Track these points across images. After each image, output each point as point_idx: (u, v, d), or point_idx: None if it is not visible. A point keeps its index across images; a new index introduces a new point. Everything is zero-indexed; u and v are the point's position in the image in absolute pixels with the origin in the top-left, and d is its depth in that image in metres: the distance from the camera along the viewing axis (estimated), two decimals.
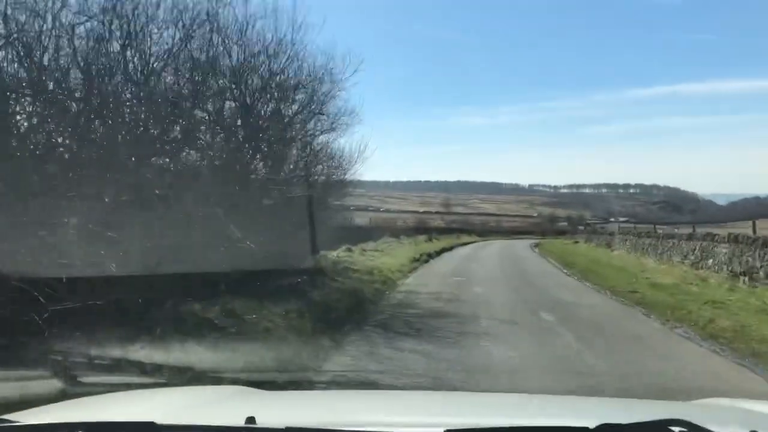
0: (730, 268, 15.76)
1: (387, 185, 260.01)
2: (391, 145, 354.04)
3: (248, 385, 2.95)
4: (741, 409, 2.21)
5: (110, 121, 7.18)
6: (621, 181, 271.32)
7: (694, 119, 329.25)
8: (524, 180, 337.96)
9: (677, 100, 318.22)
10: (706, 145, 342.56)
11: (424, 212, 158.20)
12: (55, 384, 4.80)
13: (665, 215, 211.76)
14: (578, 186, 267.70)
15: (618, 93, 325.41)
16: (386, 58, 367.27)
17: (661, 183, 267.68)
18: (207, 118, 9.70)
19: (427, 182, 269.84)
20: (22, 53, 6.48)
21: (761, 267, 14.20)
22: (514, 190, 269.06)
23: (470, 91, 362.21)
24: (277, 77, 11.04)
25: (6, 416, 1.63)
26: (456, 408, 2.30)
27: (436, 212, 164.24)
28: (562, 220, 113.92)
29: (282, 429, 1.44)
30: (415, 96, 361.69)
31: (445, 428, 1.46)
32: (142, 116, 7.88)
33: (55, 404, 2.37)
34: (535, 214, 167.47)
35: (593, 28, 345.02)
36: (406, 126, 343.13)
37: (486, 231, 62.42)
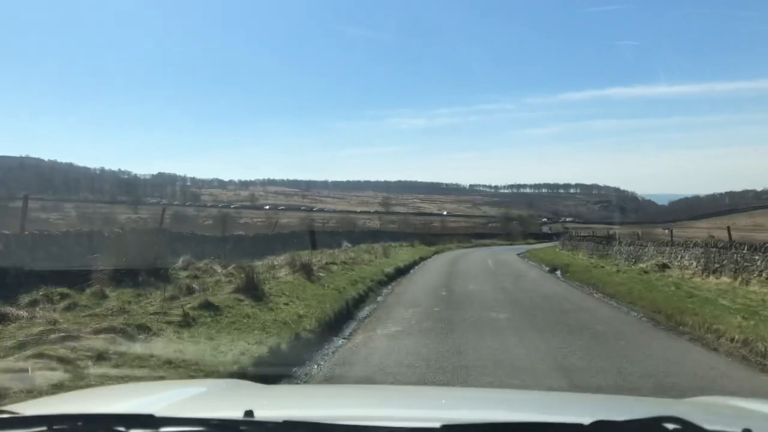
0: None
1: (325, 185, 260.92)
2: (330, 146, 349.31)
3: None
4: (735, 407, 2.17)
5: None
6: (561, 180, 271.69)
7: (625, 122, 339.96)
8: (465, 180, 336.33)
9: (608, 104, 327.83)
10: (638, 146, 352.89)
11: (361, 212, 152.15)
12: (56, 375, 4.84)
13: (608, 214, 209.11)
14: (519, 186, 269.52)
15: (551, 97, 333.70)
16: (323, 60, 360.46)
17: (601, 183, 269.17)
18: None
19: (367, 182, 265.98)
20: None
21: None
22: (455, 190, 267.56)
23: (408, 93, 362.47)
24: None
25: (6, 407, 1.64)
26: (453, 403, 2.31)
27: (375, 212, 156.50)
28: (514, 219, 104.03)
29: (280, 422, 1.42)
30: (352, 97, 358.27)
31: (442, 423, 1.40)
32: None
33: (55, 396, 2.82)
34: (494, 214, 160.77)
35: (526, 32, 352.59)
36: (345, 127, 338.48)
37: (435, 234, 49.10)
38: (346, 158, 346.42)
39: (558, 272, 21.20)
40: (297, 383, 5.94)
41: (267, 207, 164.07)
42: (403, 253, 26.62)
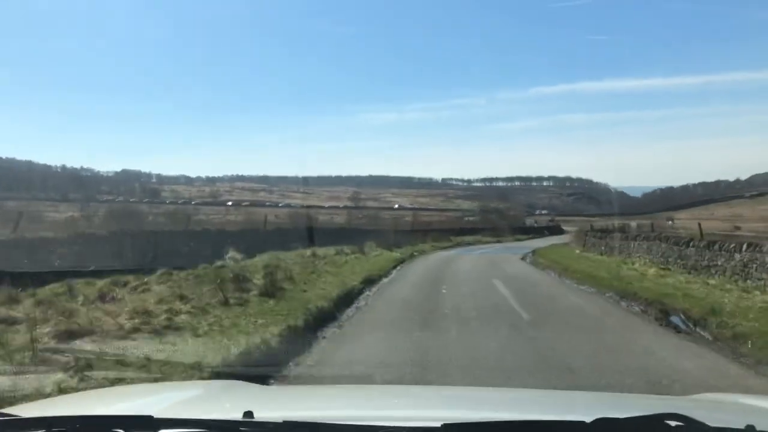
0: None
1: (296, 180, 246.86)
2: (301, 141, 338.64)
3: None
4: (737, 404, 2.18)
5: None
6: (534, 173, 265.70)
7: (596, 115, 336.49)
8: (437, 174, 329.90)
9: (579, 98, 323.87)
10: (609, 139, 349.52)
11: (330, 207, 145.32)
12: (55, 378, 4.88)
13: (582, 206, 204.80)
14: (492, 179, 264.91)
15: (523, 91, 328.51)
16: (294, 55, 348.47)
17: (574, 175, 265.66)
18: None
19: (339, 177, 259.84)
20: None
21: None
22: (428, 184, 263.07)
23: (379, 88, 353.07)
24: None
25: (6, 410, 1.65)
26: (453, 402, 2.29)
27: (344, 207, 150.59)
28: (492, 212, 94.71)
29: (280, 422, 1.41)
30: (324, 93, 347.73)
31: (443, 422, 1.39)
32: None
33: (54, 398, 2.77)
34: (468, 207, 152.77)
35: (497, 27, 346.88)
36: (316, 122, 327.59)
37: (405, 232, 38.98)
38: (317, 154, 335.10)
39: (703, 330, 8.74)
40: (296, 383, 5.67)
41: (229, 203, 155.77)
42: (347, 271, 15.99)
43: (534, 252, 28.66)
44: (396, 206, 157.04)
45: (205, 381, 4.05)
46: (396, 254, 24.95)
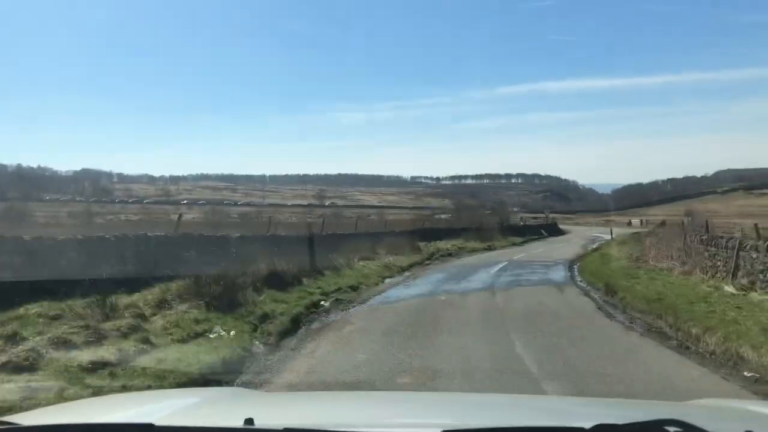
0: None
1: (262, 179, 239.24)
2: (268, 140, 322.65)
3: None
4: (736, 409, 2.13)
5: None
6: (503, 171, 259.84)
7: (561, 114, 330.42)
8: (406, 172, 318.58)
9: (544, 97, 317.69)
10: (575, 137, 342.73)
11: (293, 205, 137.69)
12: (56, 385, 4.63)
13: (552, 204, 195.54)
14: (461, 177, 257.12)
15: (489, 90, 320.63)
16: (261, 54, 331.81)
17: (543, 173, 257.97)
18: None
19: (306, 175, 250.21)
20: None
21: None
22: (396, 182, 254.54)
23: (348, 87, 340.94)
24: None
25: (6, 418, 1.59)
26: (453, 408, 2.18)
27: (308, 204, 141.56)
28: (465, 210, 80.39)
29: (280, 430, 1.37)
30: (291, 92, 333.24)
31: (442, 429, 1.39)
32: None
33: (54, 406, 2.48)
34: (438, 205, 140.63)
35: (462, 27, 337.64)
36: (285, 122, 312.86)
37: (378, 233, 24.06)
38: (285, 153, 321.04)
39: None
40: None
41: (184, 202, 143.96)
42: None
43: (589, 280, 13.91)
44: (327, 203, 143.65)
45: (205, 388, 4.01)
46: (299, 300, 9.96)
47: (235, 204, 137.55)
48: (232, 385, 5.13)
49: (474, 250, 28.82)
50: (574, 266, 20.31)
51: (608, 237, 43.08)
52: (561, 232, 50.79)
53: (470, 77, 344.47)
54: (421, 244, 26.01)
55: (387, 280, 15.39)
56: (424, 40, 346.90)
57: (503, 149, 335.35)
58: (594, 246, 33.97)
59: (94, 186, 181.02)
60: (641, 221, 69.71)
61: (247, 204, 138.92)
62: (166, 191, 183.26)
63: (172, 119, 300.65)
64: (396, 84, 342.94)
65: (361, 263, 16.84)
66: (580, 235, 46.58)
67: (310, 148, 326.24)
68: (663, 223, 34.96)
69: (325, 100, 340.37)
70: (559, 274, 17.63)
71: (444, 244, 28.80)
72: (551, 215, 62.09)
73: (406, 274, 17.44)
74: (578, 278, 16.43)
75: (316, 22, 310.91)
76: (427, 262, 21.83)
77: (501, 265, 20.21)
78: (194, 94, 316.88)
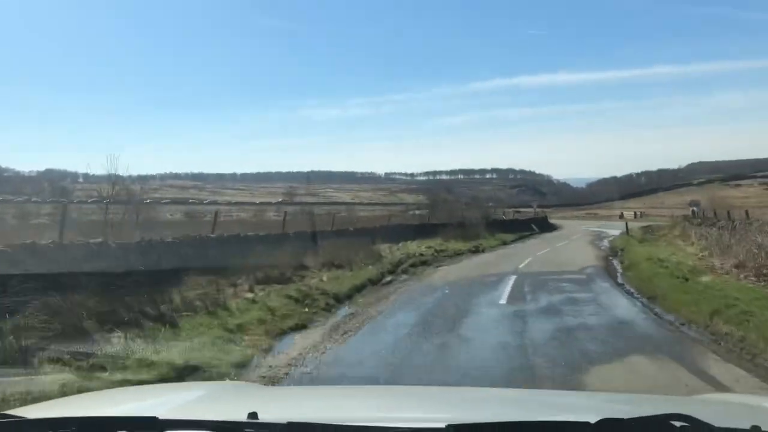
0: None
1: (234, 177, 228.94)
2: (240, 138, 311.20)
3: None
4: (743, 404, 2.06)
5: None
6: (477, 166, 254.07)
7: (533, 109, 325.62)
8: (380, 168, 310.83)
9: (516, 92, 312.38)
10: (547, 132, 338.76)
11: (261, 203, 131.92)
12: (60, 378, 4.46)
13: (527, 198, 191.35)
14: (435, 173, 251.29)
15: (461, 86, 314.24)
16: (231, 49, 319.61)
17: (517, 167, 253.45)
18: None
19: (279, 173, 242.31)
20: None
21: None
22: (370, 178, 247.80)
23: (320, 84, 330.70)
24: None
25: (10, 411, 1.56)
26: (458, 403, 2.10)
27: (278, 202, 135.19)
28: (442, 204, 72.47)
29: (284, 424, 1.32)
30: (262, 88, 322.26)
31: (448, 423, 1.30)
32: None
33: (58, 399, 2.48)
34: (412, 201, 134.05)
35: (433, 22, 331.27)
36: (255, 118, 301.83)
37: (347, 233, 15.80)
38: (257, 150, 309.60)
39: None
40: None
41: (147, 201, 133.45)
42: None
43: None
44: (278, 199, 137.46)
45: (209, 382, 3.97)
46: None
47: (202, 203, 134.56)
48: None
49: (458, 254, 20.59)
50: (630, 287, 12.12)
51: (612, 231, 35.63)
52: (553, 227, 42.94)
53: (442, 73, 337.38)
54: (385, 248, 17.67)
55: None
56: (395, 36, 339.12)
57: (477, 145, 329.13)
58: (608, 244, 26.13)
59: (52, 186, 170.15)
60: (635, 213, 62.76)
61: (214, 202, 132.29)
62: (129, 191, 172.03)
63: (140, 118, 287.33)
64: (368, 80, 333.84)
65: (241, 301, 8.34)
66: (576, 230, 38.84)
67: (283, 145, 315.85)
68: (693, 214, 27.35)
69: (296, 96, 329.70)
70: (630, 309, 9.47)
71: (417, 246, 20.53)
72: (542, 208, 54.43)
73: (323, 325, 8.54)
74: (683, 324, 8.21)
75: (288, 17, 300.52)
76: (388, 278, 13.47)
77: (509, 285, 11.96)
78: (163, 92, 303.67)
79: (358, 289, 11.13)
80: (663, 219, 54.60)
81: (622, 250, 22.09)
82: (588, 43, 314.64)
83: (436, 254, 19.16)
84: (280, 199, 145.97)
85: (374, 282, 12.30)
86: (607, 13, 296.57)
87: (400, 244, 20.26)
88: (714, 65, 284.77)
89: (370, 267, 13.89)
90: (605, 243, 27.35)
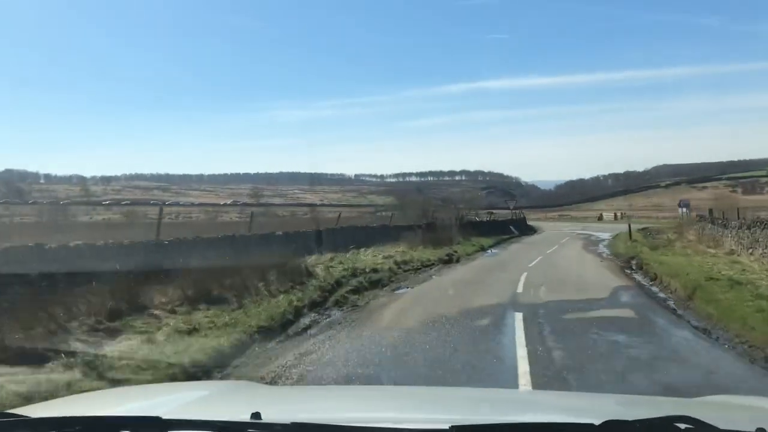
0: None
1: (200, 179, 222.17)
2: (208, 138, 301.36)
3: None
4: (748, 406, 1.92)
5: None
6: (446, 168, 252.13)
7: (500, 112, 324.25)
8: (350, 170, 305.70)
9: (482, 95, 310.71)
10: (514, 135, 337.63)
11: (224, 204, 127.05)
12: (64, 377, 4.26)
13: (496, 200, 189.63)
14: (405, 174, 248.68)
15: (430, 89, 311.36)
16: (198, 49, 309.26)
17: (486, 169, 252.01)
18: None
19: (247, 174, 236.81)
20: None
21: None
22: (339, 180, 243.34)
23: (289, 85, 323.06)
24: None
25: (14, 410, 1.52)
26: (461, 403, 2.04)
27: (243, 203, 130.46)
28: (411, 206, 67.07)
29: (288, 424, 1.29)
30: (231, 89, 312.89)
31: (451, 423, 1.28)
32: None
33: (62, 398, 2.37)
34: (382, 203, 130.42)
35: (399, 26, 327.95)
36: (223, 120, 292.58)
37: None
38: (225, 151, 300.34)
39: None
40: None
41: (106, 202, 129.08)
42: None
43: None
44: (228, 202, 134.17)
45: (212, 381, 3.79)
46: None
47: (163, 204, 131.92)
48: None
49: (426, 266, 15.03)
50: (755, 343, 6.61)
51: (600, 234, 30.93)
52: (533, 230, 37.79)
53: (411, 76, 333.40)
54: (323, 259, 11.99)
55: None
56: (364, 40, 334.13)
57: (446, 147, 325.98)
58: (609, 251, 21.06)
59: (8, 187, 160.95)
60: (616, 215, 58.42)
61: (176, 203, 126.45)
62: (87, 191, 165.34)
63: (103, 118, 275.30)
64: (337, 83, 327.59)
65: None
66: (559, 233, 33.78)
67: (252, 147, 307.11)
68: (711, 213, 22.42)
69: (266, 98, 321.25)
70: None
71: (372, 256, 14.92)
72: (518, 209, 49.73)
73: None
74: None
75: (255, 19, 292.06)
76: (304, 321, 7.62)
77: (519, 344, 6.27)
78: (127, 92, 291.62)
79: (222, 357, 5.43)
80: (650, 220, 49.95)
81: (634, 258, 16.91)
82: (551, 48, 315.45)
83: (395, 268, 13.55)
84: (230, 201, 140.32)
85: (269, 333, 6.58)
86: (568, 20, 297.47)
87: (349, 254, 14.64)
88: (675, 70, 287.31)
89: (280, 297, 8.23)
90: (604, 249, 22.22)
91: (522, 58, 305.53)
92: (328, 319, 7.88)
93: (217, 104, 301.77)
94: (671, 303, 9.25)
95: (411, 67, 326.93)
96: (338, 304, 8.94)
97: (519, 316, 7.68)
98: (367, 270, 12.31)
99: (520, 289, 10.51)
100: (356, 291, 10.08)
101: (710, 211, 21.33)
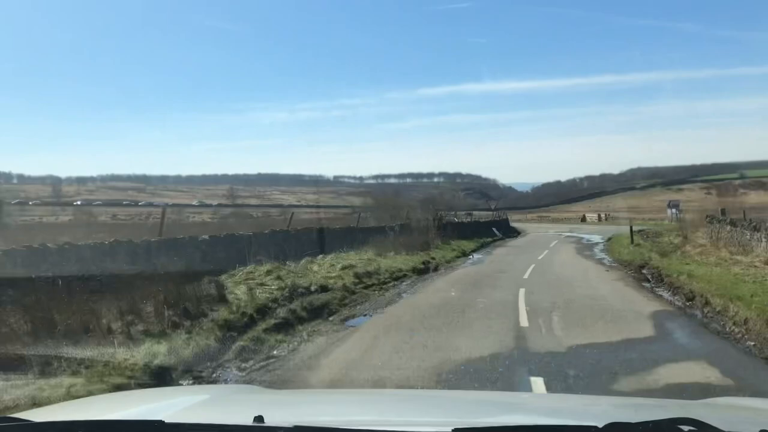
0: None
1: (178, 179, 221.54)
2: (187, 139, 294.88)
3: None
4: (751, 408, 1.92)
5: None
6: (425, 170, 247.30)
7: (479, 115, 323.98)
8: (329, 171, 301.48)
9: (462, 99, 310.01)
10: (493, 138, 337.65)
11: (200, 204, 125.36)
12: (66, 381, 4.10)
13: (475, 201, 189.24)
14: (384, 176, 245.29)
15: (410, 92, 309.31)
16: (178, 50, 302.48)
17: (464, 171, 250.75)
18: None
19: (225, 175, 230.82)
20: None
21: None
22: (318, 181, 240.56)
23: (269, 87, 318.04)
24: None
25: (17, 414, 1.51)
26: (464, 407, 1.98)
27: (218, 204, 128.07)
28: (387, 206, 64.05)
29: (291, 428, 1.28)
30: (211, 90, 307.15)
31: (454, 426, 1.28)
32: None
33: (65, 402, 2.50)
34: (360, 204, 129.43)
35: (382, 28, 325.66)
36: (203, 120, 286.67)
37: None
38: (204, 152, 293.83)
39: None
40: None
41: (78, 202, 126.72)
42: None
43: None
44: (196, 202, 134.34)
45: (214, 385, 3.74)
46: None
47: (136, 204, 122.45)
48: None
49: (396, 278, 11.74)
50: None
51: (590, 237, 28.11)
52: (517, 232, 34.74)
53: (392, 79, 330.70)
54: (249, 278, 8.63)
55: None
56: (346, 41, 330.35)
57: (425, 149, 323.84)
58: (608, 256, 18.10)
59: None
60: (599, 216, 56.00)
61: (149, 204, 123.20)
62: (58, 192, 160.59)
63: (79, 118, 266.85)
64: (318, 84, 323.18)
65: None
66: (545, 236, 30.79)
67: (230, 147, 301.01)
68: (723, 213, 19.57)
69: (245, 99, 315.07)
70: None
71: (329, 266, 11.57)
72: (500, 210, 46.47)
73: None
74: None
75: (236, 19, 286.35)
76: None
77: None
78: (104, 92, 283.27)
79: None
80: (636, 222, 47.39)
81: (644, 267, 13.89)
82: (529, 52, 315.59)
83: (353, 284, 10.20)
84: (219, 202, 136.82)
85: None
86: (546, 24, 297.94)
87: (299, 264, 11.26)
88: (651, 74, 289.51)
89: (142, 347, 4.88)
90: (602, 255, 19.21)
91: (501, 62, 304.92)
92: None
93: (198, 105, 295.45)
94: (751, 344, 6.10)
95: (393, 70, 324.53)
96: (243, 353, 5.56)
97: (538, 382, 4.41)
98: (313, 288, 8.96)
99: (523, 322, 7.25)
100: (284, 326, 6.73)
101: (722, 211, 18.44)
